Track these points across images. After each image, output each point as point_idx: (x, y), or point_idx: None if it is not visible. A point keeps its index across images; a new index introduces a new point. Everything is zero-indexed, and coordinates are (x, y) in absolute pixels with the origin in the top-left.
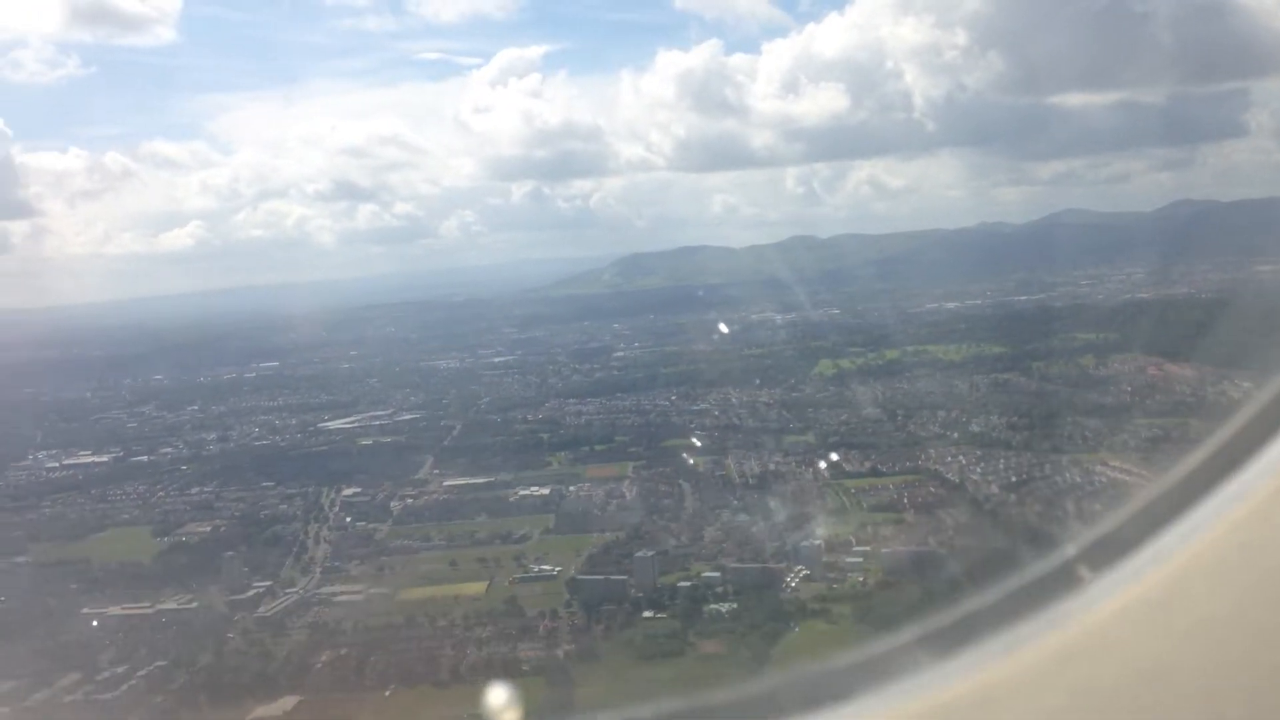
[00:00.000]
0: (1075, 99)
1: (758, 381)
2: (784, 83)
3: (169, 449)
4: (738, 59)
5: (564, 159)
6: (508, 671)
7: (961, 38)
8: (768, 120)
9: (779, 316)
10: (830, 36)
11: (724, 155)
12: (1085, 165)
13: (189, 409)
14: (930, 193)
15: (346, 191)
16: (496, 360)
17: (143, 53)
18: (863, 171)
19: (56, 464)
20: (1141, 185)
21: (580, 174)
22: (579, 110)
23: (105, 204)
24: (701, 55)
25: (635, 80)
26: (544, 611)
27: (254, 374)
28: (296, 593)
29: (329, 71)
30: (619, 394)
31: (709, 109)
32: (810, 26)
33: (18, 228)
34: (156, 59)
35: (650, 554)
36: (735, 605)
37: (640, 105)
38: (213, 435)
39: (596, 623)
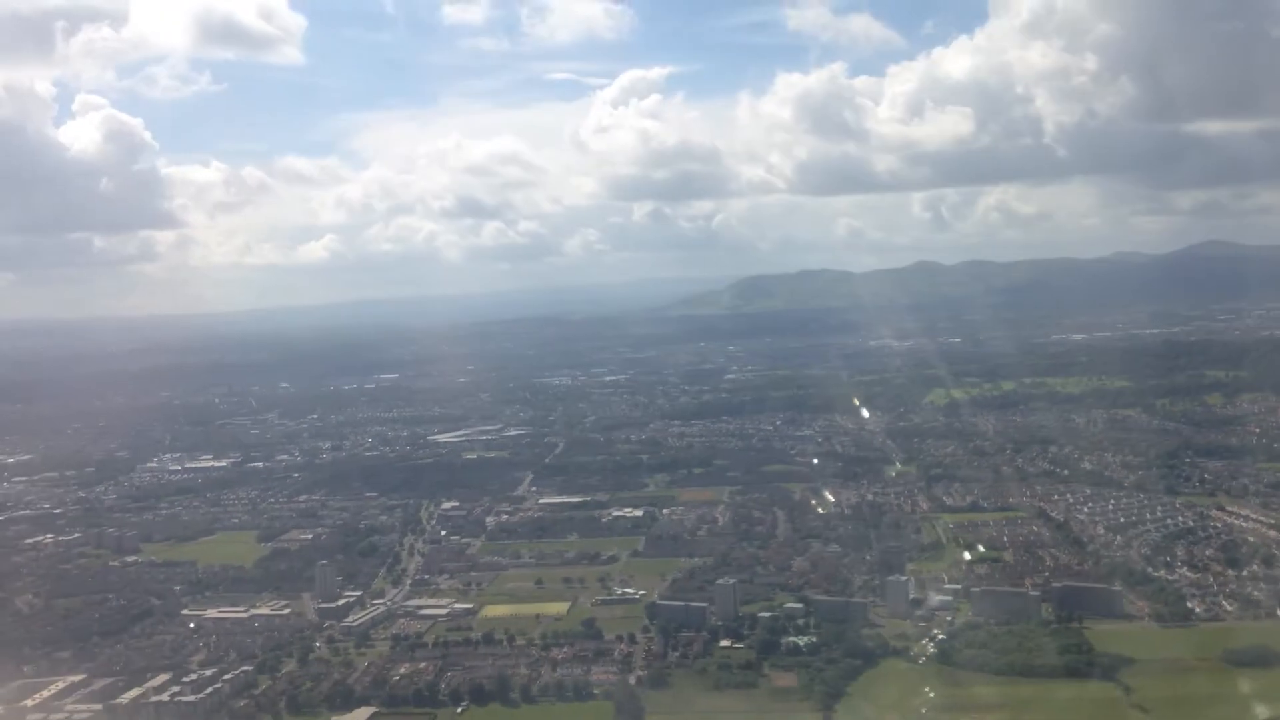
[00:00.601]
0: (1213, 126)
1: (866, 409)
2: (909, 106)
3: (285, 456)
4: (861, 81)
5: (685, 179)
6: (579, 694)
7: (1092, 63)
8: (891, 144)
9: (896, 343)
10: (957, 60)
11: (846, 179)
12: (1229, 195)
13: (309, 418)
14: (1064, 220)
15: (473, 208)
16: (608, 379)
17: (274, 70)
18: (991, 198)
19: (179, 467)
20: None
21: (702, 195)
22: (699, 131)
23: (245, 216)
24: (822, 78)
25: (754, 102)
26: (622, 635)
27: (374, 385)
28: (384, 604)
29: (461, 91)
30: (725, 417)
31: (831, 132)
32: (938, 50)
33: (164, 237)
34: (287, 76)
35: (731, 582)
36: (814, 639)
37: (760, 127)
38: (327, 444)
39: (673, 649)
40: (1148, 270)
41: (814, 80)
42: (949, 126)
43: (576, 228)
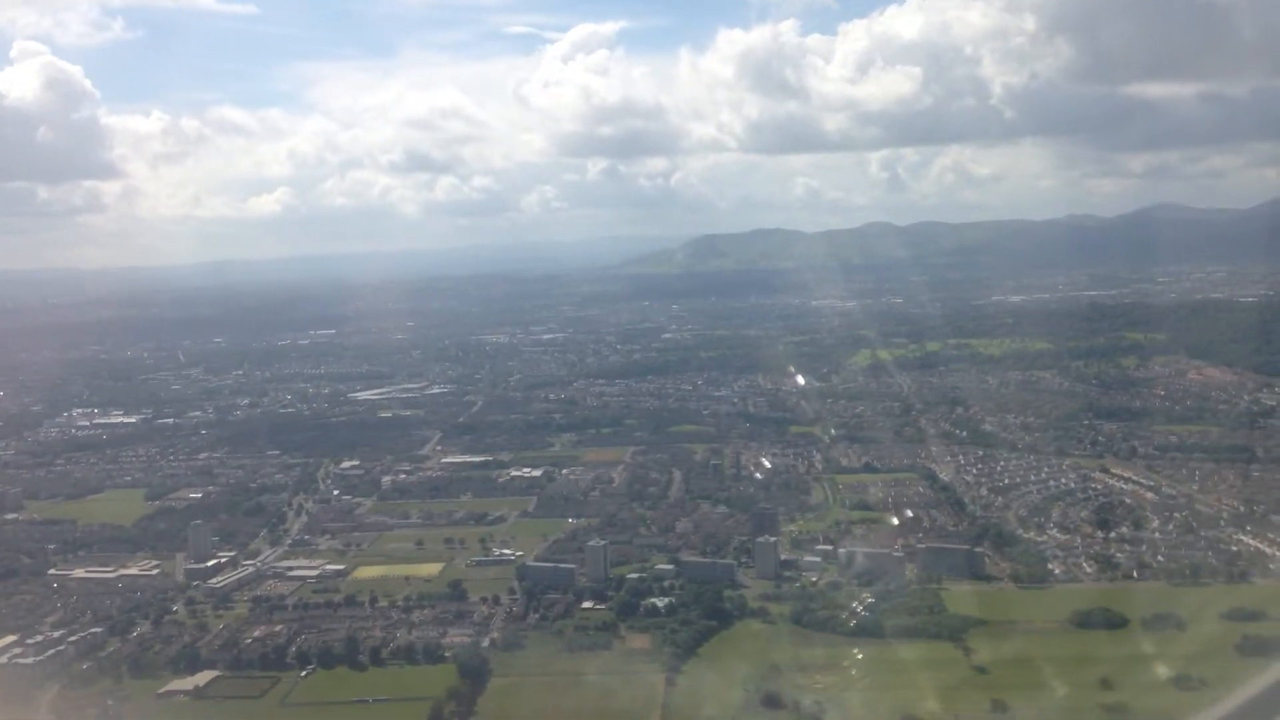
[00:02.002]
0: (1154, 89)
1: (789, 370)
2: (859, 65)
3: (198, 413)
4: (813, 39)
5: (634, 136)
6: (429, 657)
7: (1029, 23)
8: (846, 103)
9: (839, 303)
10: (910, 19)
11: (801, 138)
12: (1179, 159)
13: (234, 373)
14: (1018, 182)
15: (427, 163)
16: (545, 337)
17: (227, 18)
18: (947, 159)
19: (87, 422)
20: (1239, 181)
21: (654, 152)
22: (649, 87)
23: (194, 167)
24: (774, 35)
25: (705, 59)
26: (487, 597)
27: (308, 341)
28: (254, 565)
29: (421, 43)
30: (649, 376)
31: (785, 90)
32: (891, 8)
33: (109, 188)
34: (240, 25)
35: (601, 544)
36: (673, 601)
37: (710, 85)
38: (245, 401)
39: (535, 611)
40: (1097, 233)
41: (765, 37)
42: (899, 86)
43: (534, 184)
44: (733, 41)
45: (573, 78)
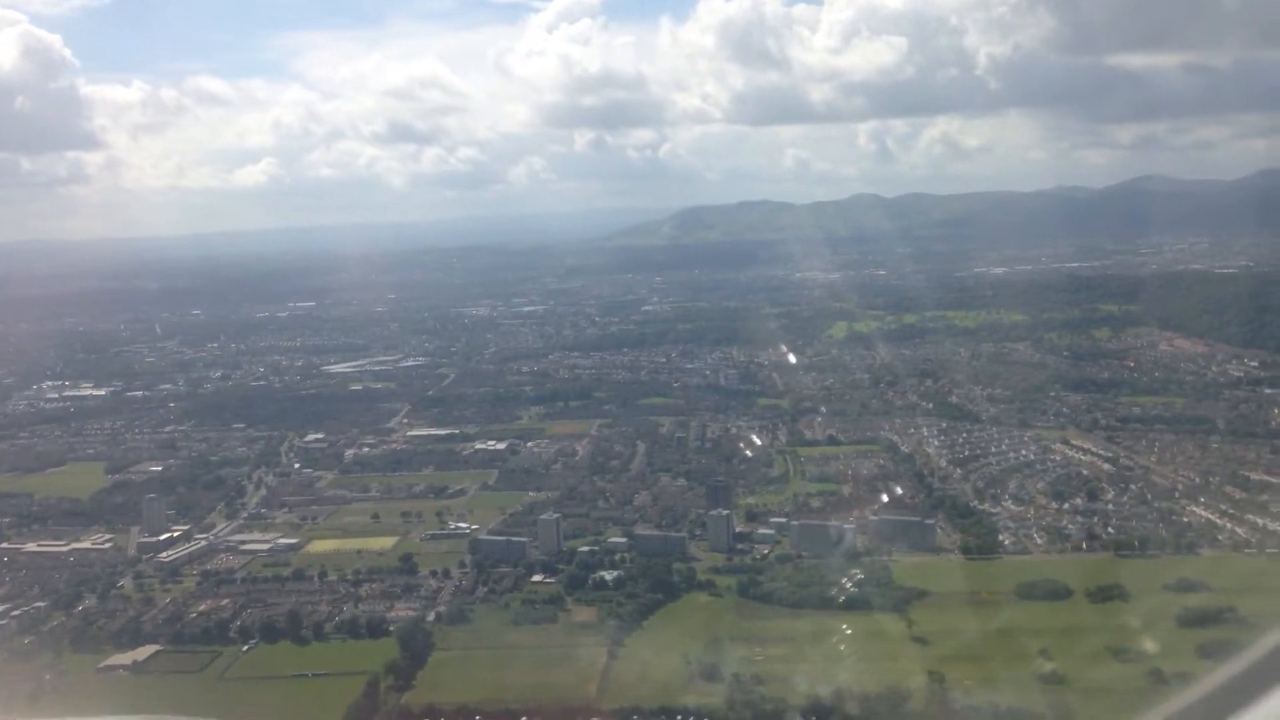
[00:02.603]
0: (1138, 60)
1: (764, 342)
2: (845, 35)
3: (168, 385)
4: (799, 9)
5: (625, 107)
6: (373, 631)
7: None
8: (833, 74)
9: (822, 275)
10: None
11: (790, 109)
12: (1167, 130)
13: (209, 346)
14: (1007, 154)
15: (412, 134)
16: (526, 309)
17: None
18: (935, 130)
19: (56, 395)
20: (1228, 152)
21: (645, 124)
22: (640, 59)
23: (178, 138)
24: (759, 3)
25: (689, 29)
26: (437, 571)
27: (287, 313)
28: (207, 539)
29: (411, 12)
30: (625, 349)
31: (772, 61)
32: None
33: (93, 159)
34: None
35: (555, 517)
36: (621, 573)
37: (696, 55)
38: (217, 374)
39: (484, 585)
40: (1085, 204)
41: (749, 6)
42: (886, 56)
43: (521, 155)
44: (716, 11)
45: (557, 47)
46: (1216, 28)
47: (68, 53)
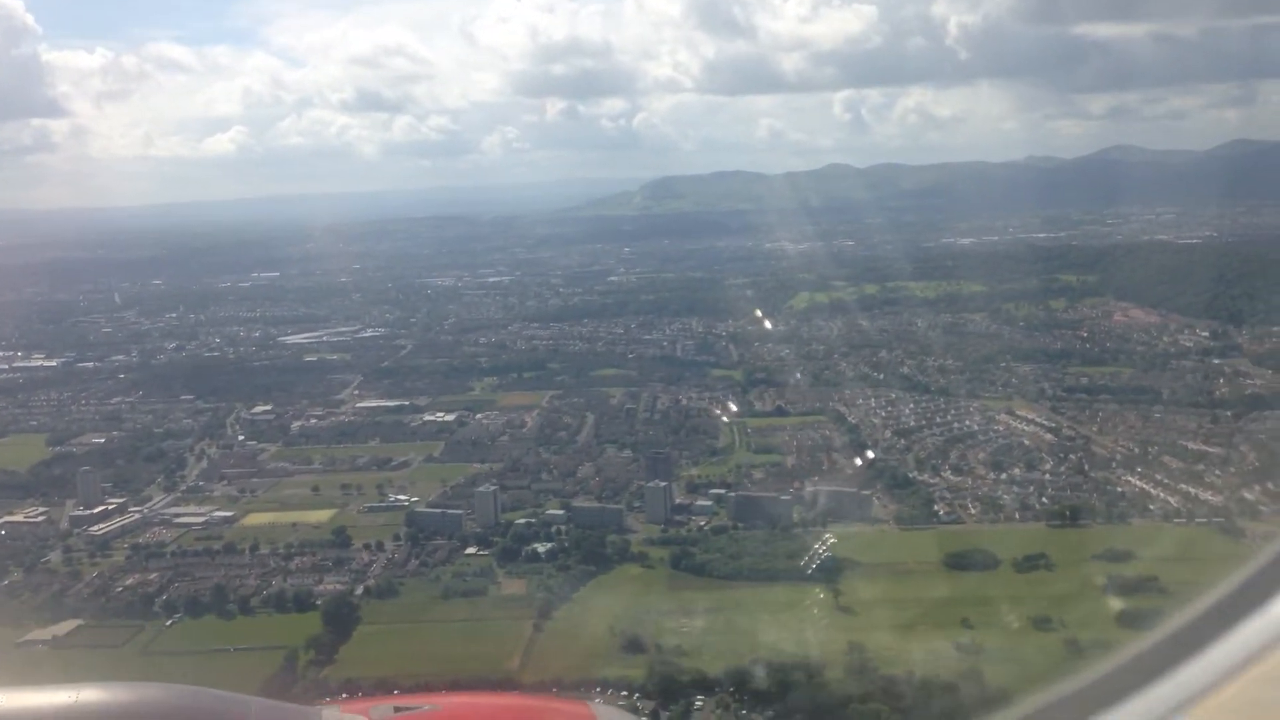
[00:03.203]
0: (1103, 30)
1: (724, 312)
2: (814, 4)
3: (121, 356)
4: None
5: (595, 76)
6: (299, 605)
7: None
8: (803, 43)
9: (791, 246)
10: None
11: (762, 79)
12: (1138, 100)
13: (167, 316)
14: (980, 125)
15: (381, 102)
16: (491, 280)
17: None
18: (909, 100)
19: (6, 366)
20: (1200, 123)
21: (617, 93)
22: (609, 26)
23: (145, 106)
24: None
25: None
26: (370, 544)
27: (249, 283)
28: (140, 512)
29: None
30: (585, 320)
31: (741, 30)
32: None
33: (58, 127)
34: None
35: (491, 489)
36: (554, 546)
37: (669, 24)
38: (172, 344)
39: (417, 558)
40: (1055, 174)
41: None
42: (854, 25)
43: (494, 125)
44: None
45: (526, 15)
46: None
47: (30, 18)
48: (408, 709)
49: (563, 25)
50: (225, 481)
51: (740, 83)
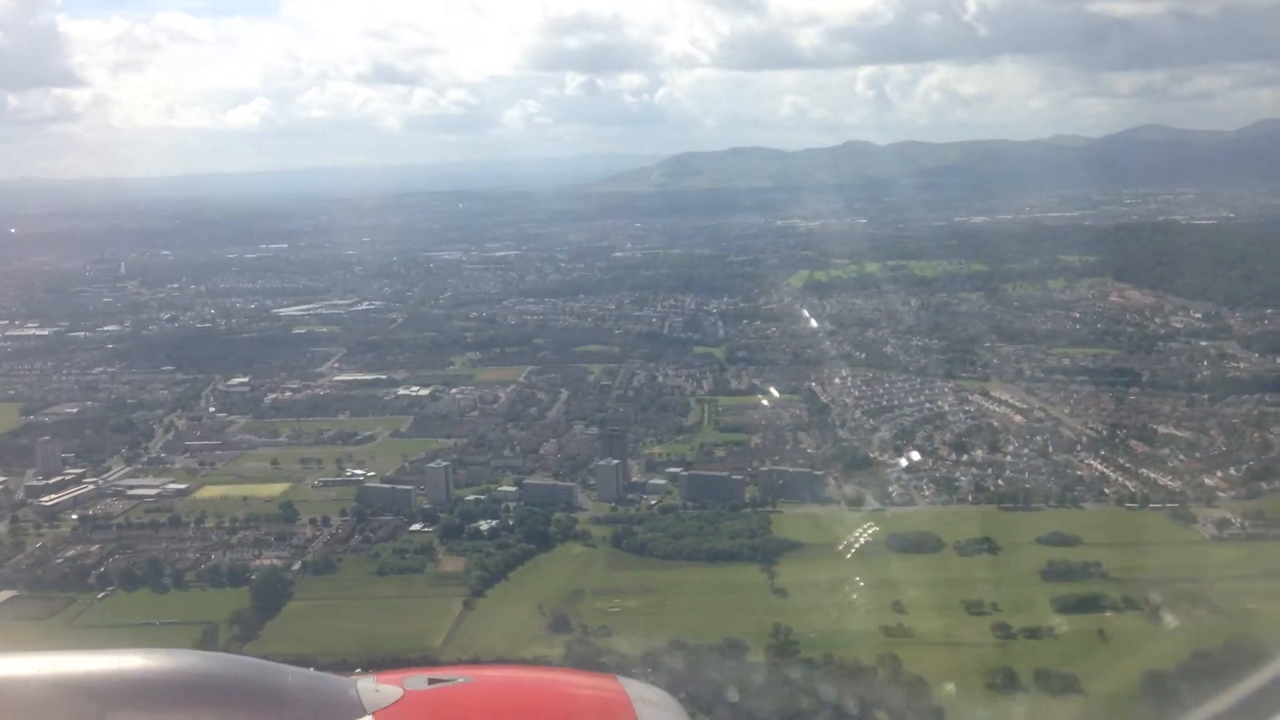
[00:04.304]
0: (1121, 7)
1: (720, 290)
2: None
3: (114, 326)
4: None
5: (616, 51)
6: (234, 579)
7: None
8: (823, 18)
9: (803, 223)
10: None
11: (783, 54)
12: (1166, 79)
13: (169, 287)
14: (1007, 102)
15: (402, 76)
16: (496, 255)
17: None
18: (934, 77)
19: None
20: (1230, 102)
21: (641, 69)
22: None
23: (168, 76)
24: None
25: None
26: (317, 519)
27: (255, 255)
28: (95, 483)
29: None
30: (580, 295)
31: (766, 5)
32: None
33: (79, 96)
34: None
35: (443, 465)
36: (497, 523)
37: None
38: (166, 315)
39: (360, 533)
40: (1081, 153)
41: None
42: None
43: (516, 99)
44: None
45: None
46: None
47: None
48: (442, 680)
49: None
50: (188, 454)
51: (762, 58)
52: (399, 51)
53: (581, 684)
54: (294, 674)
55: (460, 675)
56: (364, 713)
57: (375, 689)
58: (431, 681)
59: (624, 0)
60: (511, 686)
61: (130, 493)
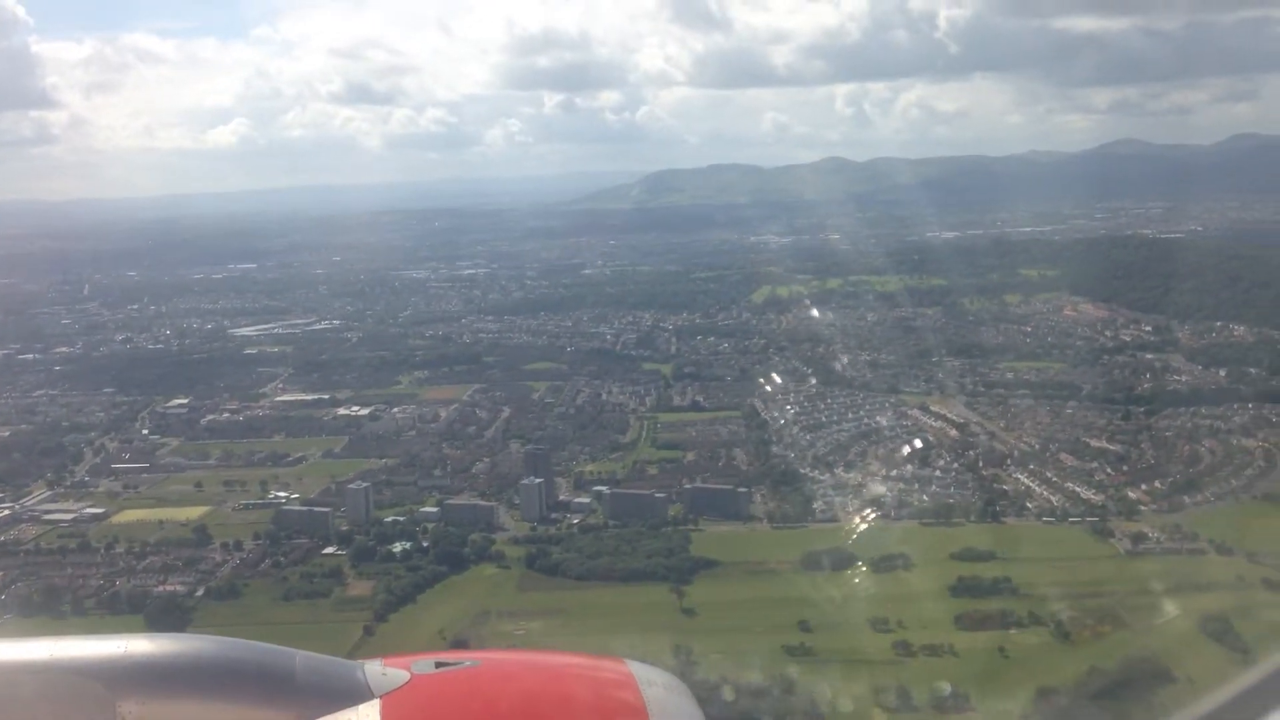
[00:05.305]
0: (1085, 23)
1: (680, 306)
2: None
3: (66, 348)
4: None
5: (595, 69)
6: (133, 607)
7: None
8: (800, 37)
9: (776, 239)
10: None
11: (767, 73)
12: (1141, 95)
13: (130, 308)
14: (984, 118)
15: (379, 96)
16: (465, 273)
17: None
18: (913, 94)
19: None
20: (1206, 117)
21: (621, 87)
22: (609, 21)
23: (145, 97)
24: None
25: None
26: (229, 543)
27: (223, 275)
28: (11, 508)
29: None
30: (542, 313)
31: (736, 23)
32: None
33: (56, 118)
34: None
35: (363, 486)
36: (410, 545)
37: (660, 17)
38: (121, 336)
39: (271, 557)
40: (1057, 168)
41: None
42: (843, 19)
43: (497, 118)
44: None
45: (520, 8)
46: None
47: (20, 10)
48: (449, 664)
49: (559, 17)
50: (113, 477)
51: (739, 76)
52: (374, 71)
53: (588, 666)
54: (302, 658)
55: (468, 659)
56: (371, 696)
57: (383, 672)
58: (439, 665)
59: (594, 20)
60: (518, 669)
61: (46, 517)
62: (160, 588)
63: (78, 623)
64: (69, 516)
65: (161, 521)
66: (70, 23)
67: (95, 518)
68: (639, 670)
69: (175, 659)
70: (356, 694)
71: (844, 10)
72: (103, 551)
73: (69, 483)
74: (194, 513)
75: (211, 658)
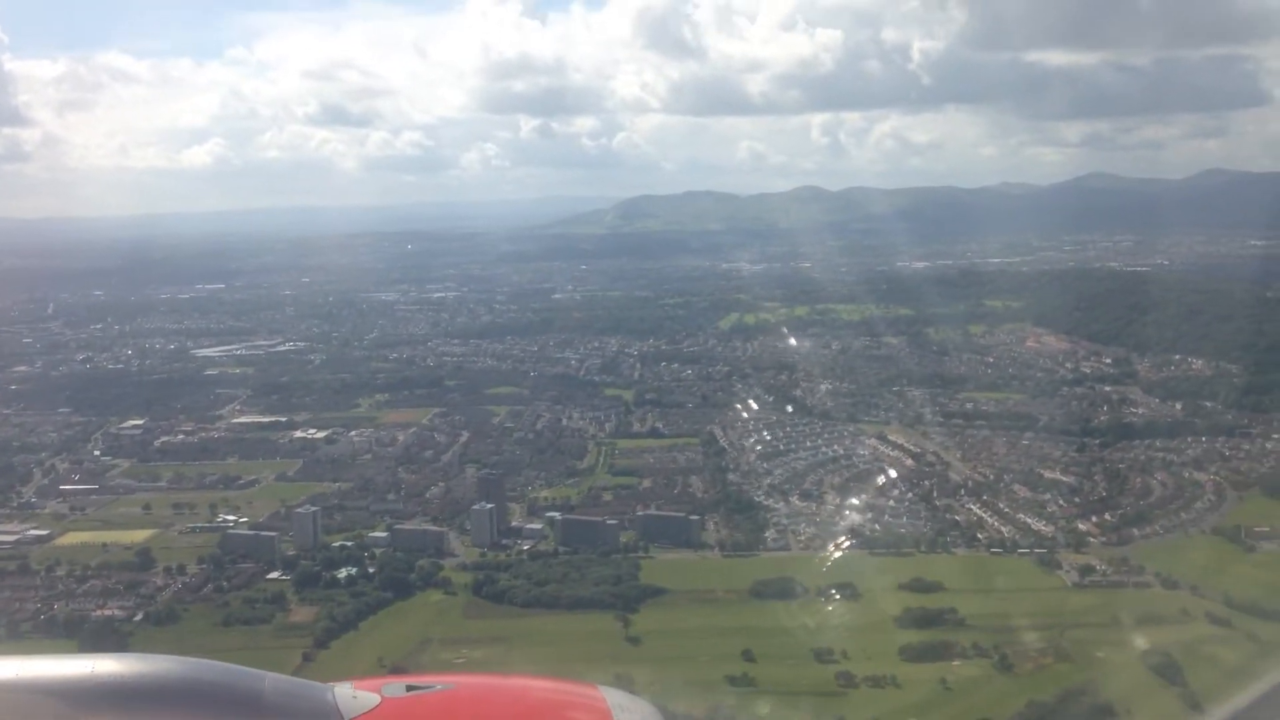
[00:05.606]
0: (1056, 57)
1: (646, 332)
2: (783, 26)
3: (25, 367)
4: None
5: (570, 95)
6: (69, 632)
7: None
8: (778, 66)
9: (748, 267)
10: None
11: (742, 102)
12: (1113, 129)
13: (93, 327)
14: (960, 150)
15: (356, 119)
16: (435, 296)
17: None
18: (887, 125)
19: None
20: (1178, 152)
21: (598, 113)
22: (586, 47)
23: (120, 116)
24: None
25: (625, 18)
26: (172, 567)
27: (190, 295)
28: None
29: None
30: (509, 337)
31: (719, 54)
32: None
33: (28, 135)
34: None
35: (311, 510)
36: (356, 570)
37: (634, 45)
38: (81, 356)
39: (215, 581)
40: (1028, 200)
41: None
42: (820, 50)
43: (474, 142)
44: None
45: (499, 33)
46: (1129, 27)
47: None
48: (420, 687)
49: (535, 42)
50: (60, 499)
51: (714, 104)
52: (350, 93)
53: (561, 691)
54: (271, 679)
55: (439, 682)
56: (341, 719)
57: (353, 695)
58: (410, 688)
59: (570, 46)
60: (490, 693)
61: None
62: (98, 612)
63: (9, 647)
64: (11, 538)
65: (105, 544)
66: (44, 41)
67: (39, 539)
68: (612, 696)
69: (142, 679)
70: (325, 717)
71: (819, 41)
72: (43, 574)
73: (15, 504)
74: (139, 536)
75: (179, 679)
